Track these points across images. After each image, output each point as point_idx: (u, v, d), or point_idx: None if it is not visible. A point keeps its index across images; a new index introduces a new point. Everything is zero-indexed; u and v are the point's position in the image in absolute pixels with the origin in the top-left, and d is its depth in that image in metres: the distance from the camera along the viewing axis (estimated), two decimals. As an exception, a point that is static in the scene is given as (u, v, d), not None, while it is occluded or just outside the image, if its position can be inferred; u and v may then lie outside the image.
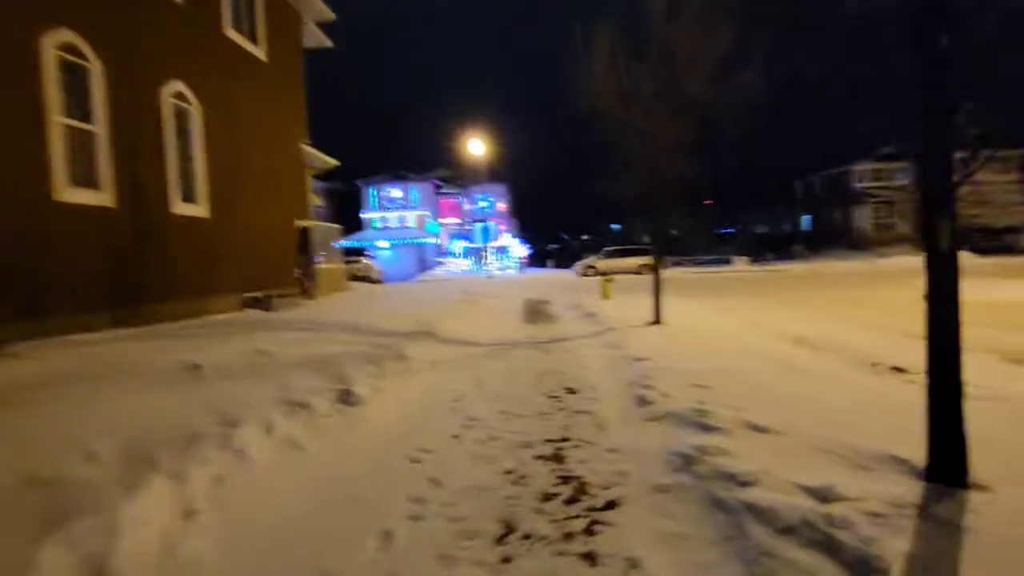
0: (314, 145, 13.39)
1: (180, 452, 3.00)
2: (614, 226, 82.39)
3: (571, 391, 5.31)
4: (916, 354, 5.98)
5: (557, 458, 3.61)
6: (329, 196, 38.15)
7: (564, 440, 3.95)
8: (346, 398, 4.45)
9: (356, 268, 18.99)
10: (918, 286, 3.19)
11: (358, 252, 20.70)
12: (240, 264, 9.32)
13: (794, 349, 7.32)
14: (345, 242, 34.74)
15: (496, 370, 6.31)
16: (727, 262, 33.91)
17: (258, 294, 9.78)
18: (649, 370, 5.69)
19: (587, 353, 7.32)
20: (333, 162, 13.33)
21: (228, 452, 3.12)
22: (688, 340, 7.73)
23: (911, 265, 28.13)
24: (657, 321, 9.36)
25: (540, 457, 3.63)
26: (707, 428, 3.77)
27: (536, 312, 12.96)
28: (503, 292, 19.09)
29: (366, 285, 16.29)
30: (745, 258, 33.10)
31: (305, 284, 11.41)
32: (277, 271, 10.62)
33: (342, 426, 4.05)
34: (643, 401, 4.66)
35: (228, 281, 8.99)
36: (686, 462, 3.29)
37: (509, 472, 3.39)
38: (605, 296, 15.35)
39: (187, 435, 3.23)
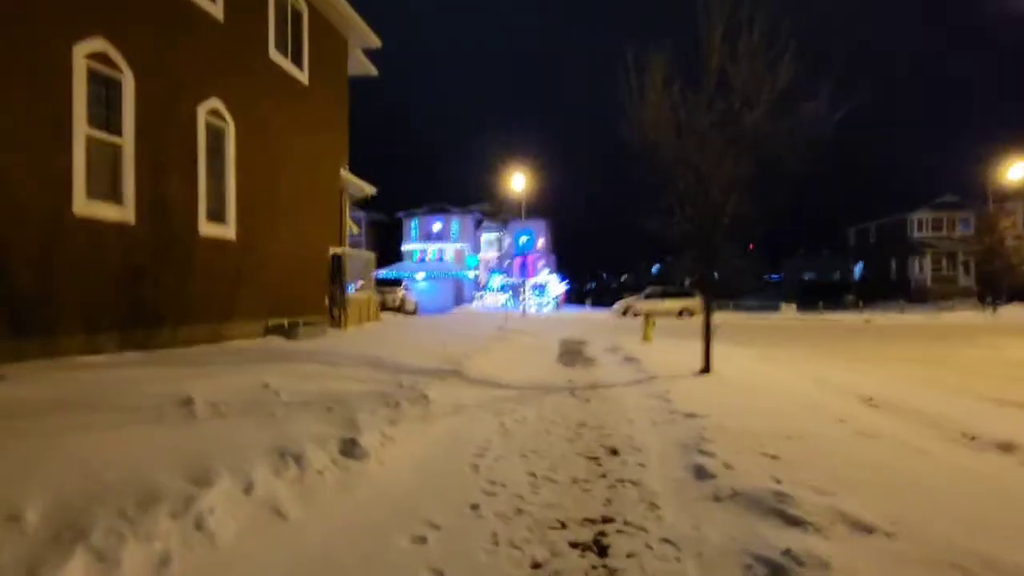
0: (355, 172, 13.17)
1: (122, 518, 2.37)
2: (654, 268, 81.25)
3: (613, 452, 4.53)
4: (1017, 426, 4.91)
5: (599, 548, 2.84)
6: (370, 227, 38.51)
7: (607, 521, 3.17)
8: (350, 449, 3.79)
9: (391, 298, 18.61)
10: (995, 345, 2.34)
11: (395, 283, 20.39)
12: (266, 289, 8.94)
13: (865, 411, 6.35)
14: (384, 273, 34.80)
15: (527, 419, 5.57)
16: (774, 309, 32.39)
17: (284, 321, 9.35)
18: (704, 430, 4.87)
19: (630, 404, 6.51)
20: (371, 189, 13.06)
21: (185, 521, 2.48)
22: (744, 394, 6.84)
23: (977, 322, 26.22)
24: (706, 370, 8.47)
25: (577, 545, 2.87)
26: (792, 521, 2.94)
27: (573, 353, 12.17)
28: (538, 330, 18.37)
29: (399, 316, 15.85)
30: (792, 306, 31.54)
31: (335, 312, 10.97)
32: (306, 298, 10.22)
33: (339, 486, 3.38)
34: (702, 472, 3.84)
35: (252, 306, 8.59)
36: None
37: (537, 567, 2.64)
38: (646, 339, 14.46)
39: (142, 493, 2.61)
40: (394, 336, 10.61)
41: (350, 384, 5.67)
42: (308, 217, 10.45)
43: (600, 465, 4.19)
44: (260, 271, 8.88)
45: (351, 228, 17.23)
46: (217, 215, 7.85)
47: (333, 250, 11.14)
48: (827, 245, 63.35)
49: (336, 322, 10.98)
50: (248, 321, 8.50)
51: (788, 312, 30.71)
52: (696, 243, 8.63)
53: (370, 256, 13.26)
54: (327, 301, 10.86)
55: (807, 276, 63.96)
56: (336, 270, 11.05)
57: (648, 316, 14.86)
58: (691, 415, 5.52)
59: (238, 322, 8.20)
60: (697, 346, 14.30)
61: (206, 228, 7.66)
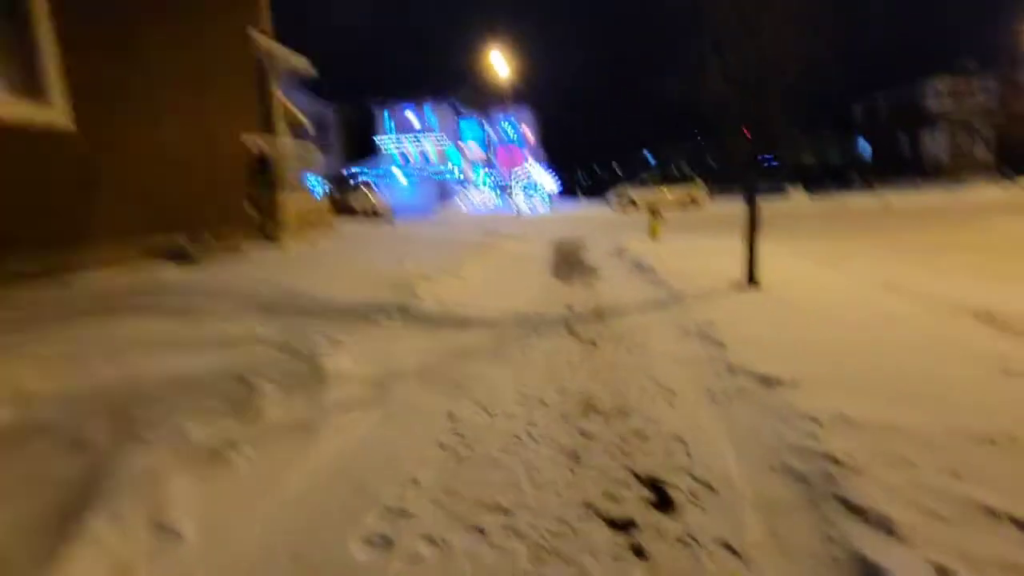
0: (284, 41, 10.08)
1: None
2: (648, 155, 77.00)
3: (659, 496, 2.29)
4: None
5: None
6: (343, 126, 34.69)
7: None
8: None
9: (356, 201, 15.94)
10: None
11: (362, 183, 17.58)
12: (146, 199, 6.41)
13: (1003, 339, 4.13)
14: (356, 169, 31.62)
15: (497, 401, 3.32)
16: (781, 192, 29.77)
17: (183, 238, 6.90)
18: (812, 422, 2.64)
19: (659, 349, 4.24)
20: (302, 62, 10.06)
21: None
22: (826, 325, 4.58)
23: (1005, 197, 23.76)
24: (752, 280, 6.17)
25: None
26: None
27: (569, 261, 9.83)
28: (529, 231, 15.93)
29: (363, 223, 13.31)
30: (800, 187, 28.91)
31: (263, 224, 8.48)
32: (217, 208, 7.69)
33: None
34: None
35: (122, 223, 6.11)
36: None
37: None
38: (653, 236, 12.10)
39: None
40: (339, 253, 8.21)
41: (197, 356, 3.34)
42: (205, 98, 7.64)
43: (634, 532, 1.97)
44: (129, 173, 6.28)
45: (296, 117, 14.20)
46: (27, 89, 5.15)
47: (253, 142, 8.41)
48: (827, 124, 59.34)
49: (268, 235, 8.52)
50: (115, 244, 6.04)
51: (797, 196, 28.12)
52: (736, 109, 6.00)
53: (308, 148, 10.51)
54: (250, 209, 8.33)
55: (805, 159, 60.61)
56: (260, 168, 8.43)
57: (653, 210, 12.38)
58: (768, 380, 3.27)
59: (95, 246, 5.76)
60: (714, 243, 12.02)
61: (8, 109, 4.99)
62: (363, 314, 4.65)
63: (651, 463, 2.48)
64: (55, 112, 5.38)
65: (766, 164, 71.51)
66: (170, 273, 5.81)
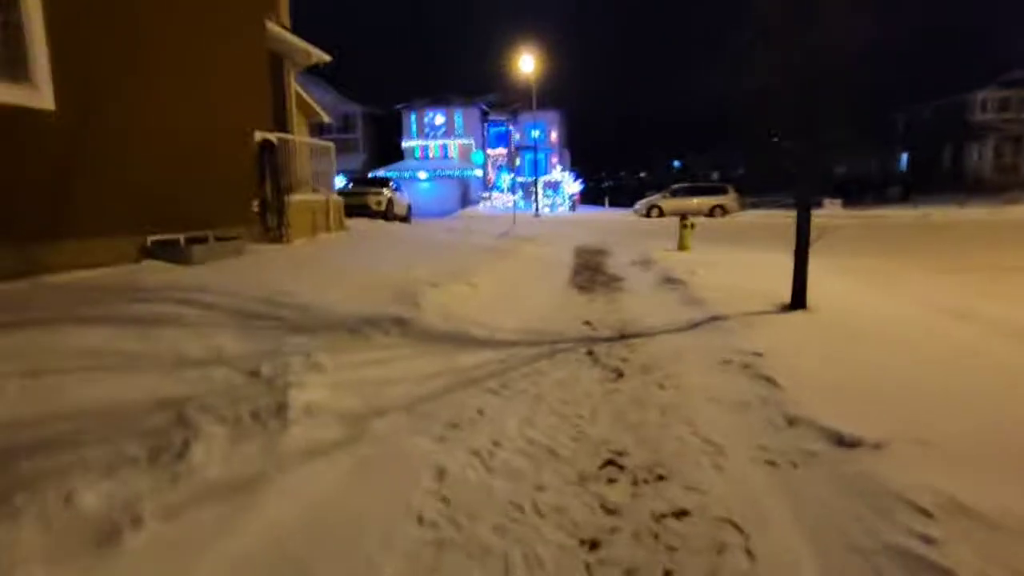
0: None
1: None
2: (675, 163, 75.60)
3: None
4: None
5: None
6: (367, 122, 34.47)
7: None
8: None
9: (375, 201, 15.44)
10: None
11: (380, 182, 17.08)
12: (140, 191, 5.93)
13: None
14: (382, 172, 31.28)
15: (501, 442, 2.69)
16: (817, 205, 28.55)
17: (179, 236, 6.41)
18: (913, 509, 1.95)
19: (698, 384, 3.56)
20: (321, 55, 9.57)
21: None
22: (894, 358, 3.85)
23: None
24: (800, 303, 5.43)
25: None
26: None
27: (591, 269, 9.15)
28: (551, 235, 15.28)
29: (382, 223, 12.80)
30: (838, 201, 27.68)
31: (269, 222, 7.97)
32: (218, 203, 7.20)
33: None
34: None
35: (112, 217, 5.63)
36: None
37: None
38: (683, 247, 11.34)
39: None
40: (346, 254, 7.66)
41: (138, 381, 2.76)
42: (212, 88, 7.16)
43: None
44: (121, 163, 5.79)
45: (317, 113, 13.79)
46: (8, 68, 4.69)
47: (261, 136, 7.91)
48: (867, 133, 57.37)
49: (273, 235, 8.02)
50: (104, 239, 5.56)
51: (833, 208, 26.92)
52: (787, 103, 5.27)
53: (327, 147, 10.01)
54: (256, 206, 7.84)
55: (839, 170, 58.68)
56: (268, 163, 7.94)
57: (684, 218, 11.62)
58: (842, 439, 2.57)
59: (82, 243, 5.29)
60: (750, 256, 11.18)
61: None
62: (355, 328, 4.06)
63: (698, 567, 1.81)
64: (39, 95, 4.91)
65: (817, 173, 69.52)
66: (154, 274, 5.30)
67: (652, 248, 11.52)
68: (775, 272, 8.10)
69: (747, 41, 5.40)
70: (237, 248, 6.87)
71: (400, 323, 4.35)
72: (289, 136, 8.82)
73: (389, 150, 33.77)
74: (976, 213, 24.51)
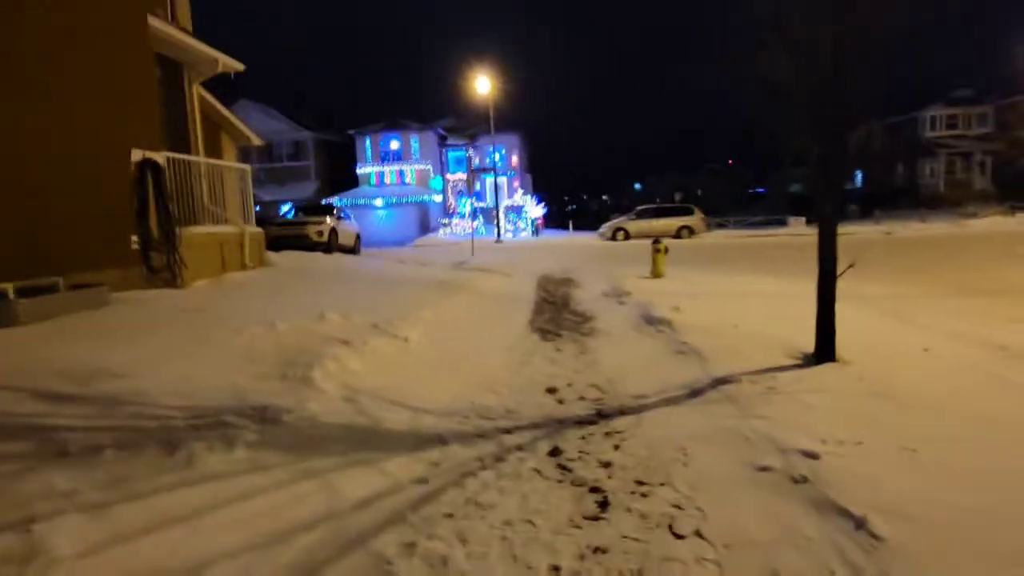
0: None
1: None
2: (636, 185, 75.82)
3: None
4: None
5: None
6: (320, 148, 32.81)
7: None
8: None
9: (315, 231, 13.83)
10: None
11: (324, 210, 15.45)
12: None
13: None
14: (336, 199, 29.58)
15: None
16: (781, 223, 28.16)
17: (5, 287, 4.76)
18: None
19: (728, 521, 2.14)
20: (230, 62, 8.06)
21: None
22: (993, 437, 2.55)
23: (1014, 227, 22.14)
24: (827, 354, 4.10)
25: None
26: None
27: (558, 305, 7.76)
28: (512, 263, 13.89)
29: (317, 257, 11.19)
30: (801, 219, 27.25)
31: (153, 262, 6.34)
32: (81, 240, 5.57)
33: None
34: None
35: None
36: None
37: None
38: (657, 273, 10.10)
39: None
40: (250, 299, 6.09)
41: None
42: (67, 97, 5.59)
43: None
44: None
45: (246, 136, 12.19)
46: None
47: (140, 155, 6.32)
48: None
49: (162, 277, 6.38)
50: None
51: (798, 227, 26.44)
52: (804, 98, 4.02)
53: (242, 169, 8.43)
54: (135, 243, 6.21)
55: (794, 188, 59.70)
56: (154, 189, 6.34)
57: (656, 242, 10.40)
58: None
59: None
60: (732, 281, 9.96)
61: None
62: (179, 438, 2.53)
63: None
64: None
65: (757, 194, 70.43)
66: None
67: (623, 275, 10.24)
68: (772, 304, 6.87)
69: (757, 28, 4.16)
70: (95, 299, 5.23)
71: (266, 419, 2.84)
72: (186, 157, 7.24)
73: (343, 177, 32.10)
74: (940, 228, 24.30)
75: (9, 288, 4.83)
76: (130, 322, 4.67)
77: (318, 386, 3.39)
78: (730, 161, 70.30)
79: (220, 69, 7.88)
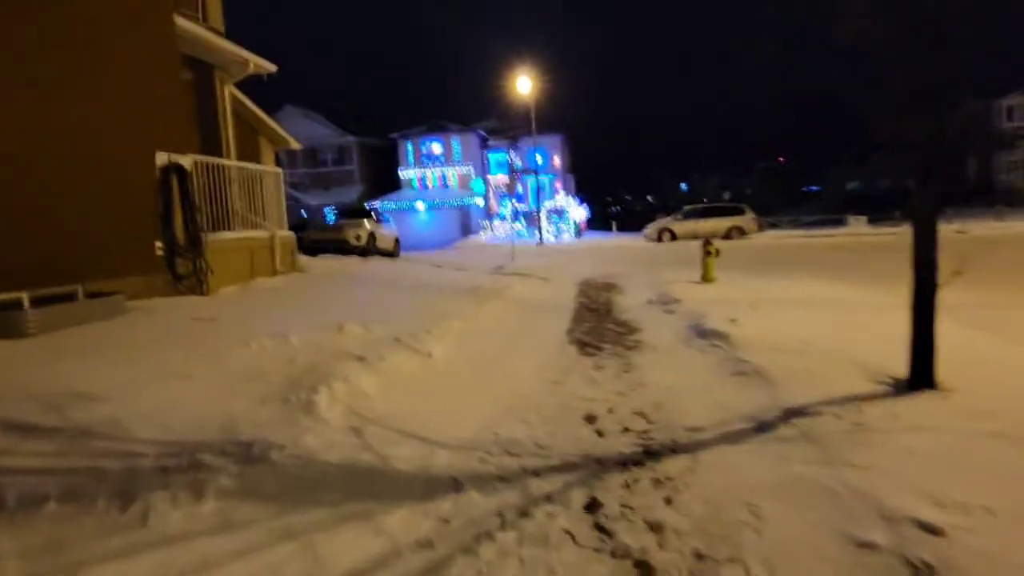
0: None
1: None
2: (682, 185, 73.72)
3: None
4: None
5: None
6: (363, 153, 33.13)
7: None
8: None
9: (353, 236, 13.69)
10: None
11: (363, 214, 15.31)
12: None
13: None
14: (379, 203, 29.75)
15: None
16: (839, 223, 26.56)
17: (20, 295, 4.58)
18: None
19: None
20: (264, 65, 7.86)
21: None
22: None
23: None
24: (926, 379, 3.41)
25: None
26: None
27: (599, 313, 7.19)
28: (553, 267, 13.36)
29: (352, 262, 10.97)
30: (862, 219, 25.63)
31: (178, 268, 6.15)
32: (102, 246, 5.40)
33: None
34: None
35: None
36: None
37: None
38: (708, 278, 9.37)
39: None
40: (272, 308, 5.79)
41: None
42: (90, 99, 5.42)
43: None
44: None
45: (283, 139, 12.11)
46: None
47: (166, 158, 6.13)
48: (880, 148, 55.24)
49: (188, 284, 6.18)
50: None
51: (858, 226, 24.86)
52: (900, 66, 3.36)
53: (275, 173, 8.23)
54: (160, 249, 6.03)
55: (851, 185, 56.62)
56: (180, 193, 6.16)
57: (707, 244, 9.66)
58: None
59: None
60: (791, 286, 9.09)
61: None
62: (137, 485, 2.13)
63: None
64: None
65: (808, 192, 67.35)
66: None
67: (671, 280, 9.56)
68: (843, 315, 6.10)
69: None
70: (110, 308, 5.01)
71: (251, 458, 2.42)
72: (215, 160, 7.05)
73: (387, 181, 32.31)
74: (1021, 227, 22.31)
75: (24, 297, 4.64)
76: (138, 334, 4.39)
77: (321, 414, 2.96)
78: (781, 158, 67.54)
79: (251, 70, 7.68)
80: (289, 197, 29.89)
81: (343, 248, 13.22)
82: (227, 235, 6.99)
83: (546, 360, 4.83)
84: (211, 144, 7.58)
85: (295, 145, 12.46)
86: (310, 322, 5.05)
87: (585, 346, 5.35)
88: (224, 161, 7.54)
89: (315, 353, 4.04)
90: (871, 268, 11.34)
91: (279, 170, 8.30)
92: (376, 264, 11.47)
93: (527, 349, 5.22)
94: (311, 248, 13.71)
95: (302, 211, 18.68)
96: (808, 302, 7.12)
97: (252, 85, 8.71)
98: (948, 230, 17.12)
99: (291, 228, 15.03)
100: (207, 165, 6.84)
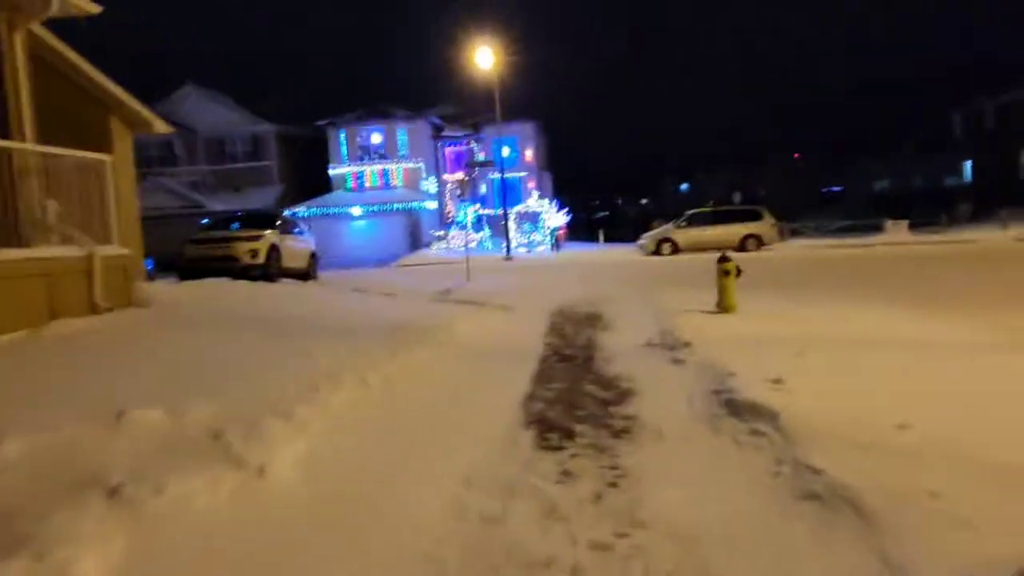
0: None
1: None
2: (683, 185, 73.75)
3: None
4: None
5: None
6: (284, 145, 31.53)
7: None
8: None
9: (245, 251, 12.13)
10: None
11: (264, 222, 13.62)
12: None
13: None
14: (303, 209, 28.17)
15: None
16: (874, 229, 25.99)
17: None
18: None
19: None
20: (80, 3, 6.42)
21: None
22: None
23: None
24: None
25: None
26: None
27: (577, 362, 5.86)
28: (519, 289, 12.07)
29: (235, 288, 9.43)
30: (903, 224, 25.08)
31: None
32: None
33: None
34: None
35: None
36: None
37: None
38: (726, 306, 8.14)
39: None
40: (31, 378, 4.29)
41: None
42: None
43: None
44: None
45: (145, 120, 10.55)
46: None
47: None
48: (915, 140, 56.02)
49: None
50: None
51: (898, 233, 24.27)
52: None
53: (100, 162, 6.68)
54: None
55: (879, 185, 57.19)
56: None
57: (724, 259, 8.43)
58: None
59: None
60: (842, 317, 7.80)
61: None
62: None
63: None
64: None
65: (830, 193, 68.03)
66: None
67: (675, 308, 8.36)
68: (932, 359, 4.91)
69: None
70: None
71: None
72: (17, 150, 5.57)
73: (314, 180, 30.74)
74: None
75: None
76: None
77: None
78: (796, 155, 67.91)
79: (56, 10, 6.22)
80: (187, 201, 28.16)
81: (234, 268, 11.67)
82: (9, 254, 5.48)
83: (481, 464, 3.43)
84: (-3, 118, 6.09)
85: (162, 128, 10.86)
86: (82, 400, 3.59)
87: (548, 430, 3.98)
88: (14, 144, 6.05)
89: (30, 481, 2.60)
90: (934, 287, 10.33)
91: (106, 157, 6.79)
92: (272, 290, 9.96)
93: (453, 439, 3.83)
94: (192, 268, 12.13)
95: (204, 219, 17.07)
96: (876, 343, 5.92)
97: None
98: (1005, 238, 16.15)
99: (192, 242, 13.42)
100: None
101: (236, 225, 13.70)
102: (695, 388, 4.66)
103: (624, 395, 4.74)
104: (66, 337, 5.45)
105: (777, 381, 4.33)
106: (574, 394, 4.85)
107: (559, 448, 3.67)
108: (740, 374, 4.64)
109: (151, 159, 29.77)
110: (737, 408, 3.98)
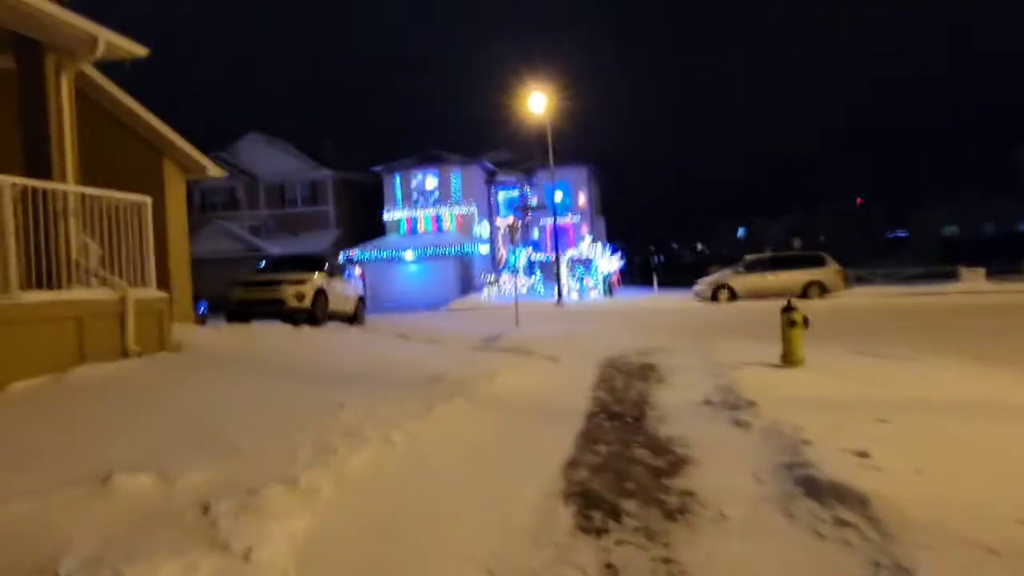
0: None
1: None
2: (739, 230, 72.17)
3: None
4: None
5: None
6: (343, 189, 32.17)
7: None
8: None
9: (291, 294, 12.05)
10: None
11: (310, 265, 13.59)
12: None
13: None
14: (357, 253, 28.45)
15: None
16: (948, 276, 24.42)
17: None
18: None
19: None
20: (127, 46, 6.40)
21: None
22: None
23: None
24: None
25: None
26: None
27: (627, 422, 5.27)
28: (567, 337, 11.52)
29: (273, 333, 9.23)
30: (980, 272, 23.49)
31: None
32: None
33: None
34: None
35: None
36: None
37: None
38: (792, 359, 7.41)
39: None
40: (36, 429, 4.03)
41: None
42: None
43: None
44: None
45: (199, 165, 10.69)
46: None
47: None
48: (982, 183, 53.55)
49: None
50: None
51: (975, 281, 22.70)
52: None
53: (141, 203, 6.60)
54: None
55: (947, 231, 54.72)
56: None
57: (789, 308, 7.72)
58: None
59: None
60: (927, 376, 6.88)
61: None
62: None
63: None
64: None
65: (895, 239, 65.19)
66: None
67: (735, 361, 7.69)
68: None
69: None
70: None
71: None
72: (33, 183, 5.50)
73: (369, 225, 31.14)
74: None
75: None
76: None
77: None
78: (859, 199, 65.79)
79: (102, 52, 6.22)
80: (247, 244, 28.85)
81: (280, 311, 11.57)
82: (31, 297, 5.32)
83: (509, 549, 2.91)
84: (37, 159, 6.06)
85: (215, 172, 11.01)
86: (74, 460, 3.26)
87: (591, 507, 3.42)
88: (54, 185, 5.99)
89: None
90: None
91: (146, 199, 6.67)
92: (313, 335, 9.71)
93: (479, 515, 3.31)
94: (239, 311, 12.11)
95: (261, 263, 17.23)
96: (971, 407, 5.16)
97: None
98: None
99: (240, 284, 13.51)
100: (29, 190, 5.32)
101: (284, 268, 13.70)
102: (763, 459, 4.03)
103: (679, 464, 4.14)
104: (85, 385, 5.21)
105: (862, 454, 3.68)
106: (622, 460, 4.27)
107: (602, 531, 3.11)
108: (816, 443, 3.99)
109: (216, 204, 30.88)
110: (816, 488, 3.34)
